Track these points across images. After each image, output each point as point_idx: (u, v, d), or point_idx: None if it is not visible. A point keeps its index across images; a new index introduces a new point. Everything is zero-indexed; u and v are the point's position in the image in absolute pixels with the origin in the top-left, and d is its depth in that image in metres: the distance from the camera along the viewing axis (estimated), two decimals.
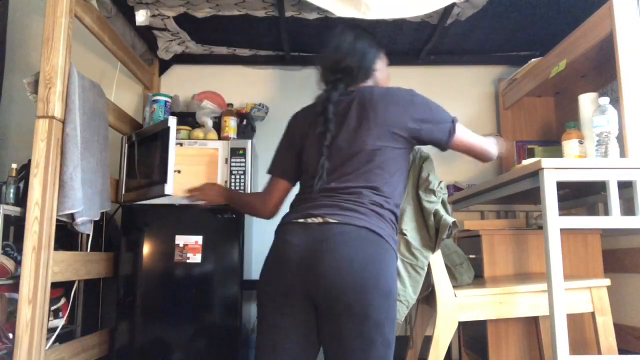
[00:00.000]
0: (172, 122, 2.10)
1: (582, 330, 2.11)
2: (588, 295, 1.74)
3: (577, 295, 1.73)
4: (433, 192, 1.52)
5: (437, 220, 1.52)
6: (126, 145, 2.40)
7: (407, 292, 1.54)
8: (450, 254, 1.89)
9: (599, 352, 1.72)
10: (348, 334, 1.17)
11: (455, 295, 1.67)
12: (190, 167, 2.52)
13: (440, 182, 1.55)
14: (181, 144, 2.40)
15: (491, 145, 1.53)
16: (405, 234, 1.53)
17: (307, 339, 1.25)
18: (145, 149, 2.26)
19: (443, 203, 1.54)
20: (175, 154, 2.10)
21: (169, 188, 2.05)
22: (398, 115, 1.34)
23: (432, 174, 1.55)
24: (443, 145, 1.41)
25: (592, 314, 1.75)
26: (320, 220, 1.25)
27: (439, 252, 1.64)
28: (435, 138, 1.39)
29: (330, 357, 1.22)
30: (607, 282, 1.76)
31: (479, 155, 1.51)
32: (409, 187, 1.57)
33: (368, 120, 1.32)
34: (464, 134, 1.43)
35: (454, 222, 1.51)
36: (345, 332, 1.18)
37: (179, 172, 2.33)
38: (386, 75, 1.57)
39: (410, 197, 1.56)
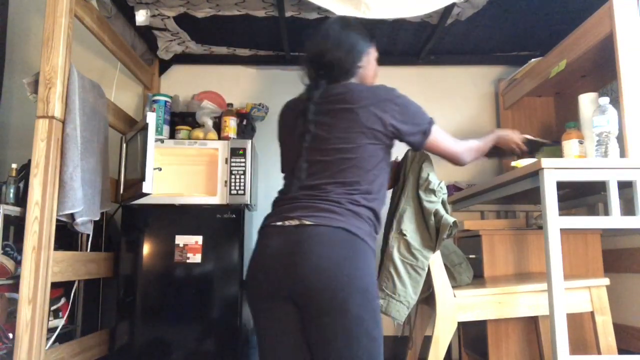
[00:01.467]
0: (151, 118, 2.02)
1: (582, 330, 2.11)
2: (587, 295, 1.74)
3: (576, 295, 1.73)
4: (433, 192, 1.53)
5: (438, 220, 1.52)
6: (125, 145, 2.40)
7: (408, 293, 1.54)
8: (449, 254, 1.89)
9: (599, 352, 1.72)
10: (331, 332, 1.18)
11: (455, 296, 1.67)
12: (191, 167, 2.52)
13: (440, 182, 1.55)
14: (162, 141, 2.39)
15: (468, 150, 1.53)
16: (405, 235, 1.53)
17: (300, 340, 1.26)
18: (132, 148, 2.25)
19: (443, 203, 1.54)
20: (154, 152, 2.01)
21: (147, 187, 1.96)
22: (378, 115, 1.32)
23: (432, 174, 1.55)
24: (417, 146, 1.42)
25: (592, 313, 1.75)
26: (296, 222, 1.25)
27: (438, 253, 1.64)
28: (410, 139, 1.39)
29: (318, 357, 1.22)
30: (606, 281, 1.76)
31: (449, 159, 1.50)
32: (409, 187, 1.58)
33: (348, 120, 1.31)
34: (438, 136, 1.42)
35: (454, 222, 1.51)
36: (328, 331, 1.18)
37: (159, 169, 2.31)
38: (373, 71, 1.52)
39: (411, 198, 1.56)
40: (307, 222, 1.23)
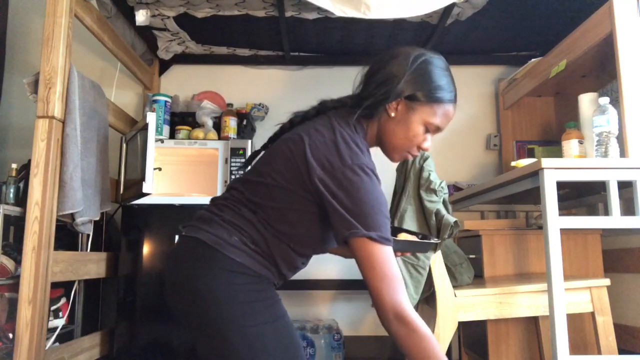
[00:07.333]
0: (151, 118, 2.01)
1: (582, 330, 2.10)
2: (588, 295, 1.74)
3: (577, 295, 1.73)
4: (434, 191, 1.53)
5: (439, 220, 1.52)
6: (125, 145, 2.40)
7: (409, 292, 1.54)
8: (450, 254, 1.89)
9: (599, 352, 1.72)
10: None
11: (455, 295, 1.67)
12: (190, 167, 2.52)
13: (442, 181, 1.55)
14: (162, 141, 2.39)
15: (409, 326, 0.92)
16: None
17: None
18: (132, 148, 2.25)
19: (444, 203, 1.55)
20: (154, 152, 2.00)
21: (147, 187, 1.96)
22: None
23: (432, 173, 1.55)
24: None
25: (592, 314, 1.75)
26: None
27: (439, 252, 1.64)
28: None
29: None
30: (606, 282, 1.76)
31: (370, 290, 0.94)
32: (410, 187, 1.58)
33: None
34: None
35: (455, 222, 1.51)
36: None
37: (159, 169, 2.31)
38: (405, 134, 1.06)
39: (412, 197, 1.57)
40: (183, 233, 1.06)
